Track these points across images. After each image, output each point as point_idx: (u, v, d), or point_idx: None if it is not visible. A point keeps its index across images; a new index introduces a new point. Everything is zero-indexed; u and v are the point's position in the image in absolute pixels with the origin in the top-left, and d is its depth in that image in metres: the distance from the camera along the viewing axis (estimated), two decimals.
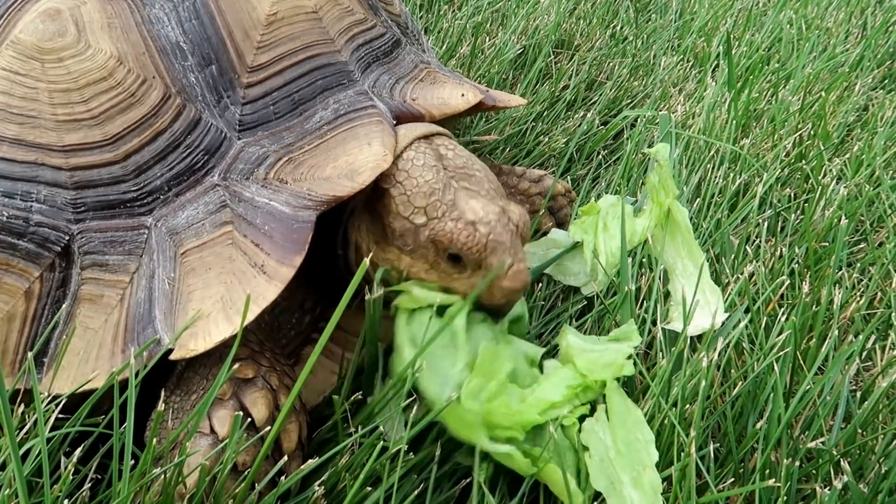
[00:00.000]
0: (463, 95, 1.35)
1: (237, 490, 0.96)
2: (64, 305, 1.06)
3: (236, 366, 1.00)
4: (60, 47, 1.07)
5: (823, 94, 2.18)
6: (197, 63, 1.13)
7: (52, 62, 1.06)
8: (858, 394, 1.32)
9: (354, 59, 1.28)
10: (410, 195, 1.17)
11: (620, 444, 1.10)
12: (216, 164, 1.12)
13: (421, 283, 1.19)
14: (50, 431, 0.97)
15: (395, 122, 1.25)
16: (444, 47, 2.33)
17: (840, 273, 1.54)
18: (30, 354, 0.98)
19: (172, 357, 1.00)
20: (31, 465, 0.93)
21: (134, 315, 1.04)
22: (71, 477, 0.92)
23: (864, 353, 1.39)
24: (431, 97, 1.33)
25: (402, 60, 1.39)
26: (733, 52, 2.34)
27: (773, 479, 1.03)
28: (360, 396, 1.17)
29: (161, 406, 0.96)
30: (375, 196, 1.22)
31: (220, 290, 1.03)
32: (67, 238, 1.07)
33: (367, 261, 1.01)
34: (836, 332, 1.29)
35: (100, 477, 1.02)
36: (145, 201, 1.09)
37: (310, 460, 1.00)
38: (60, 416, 0.99)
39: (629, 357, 1.19)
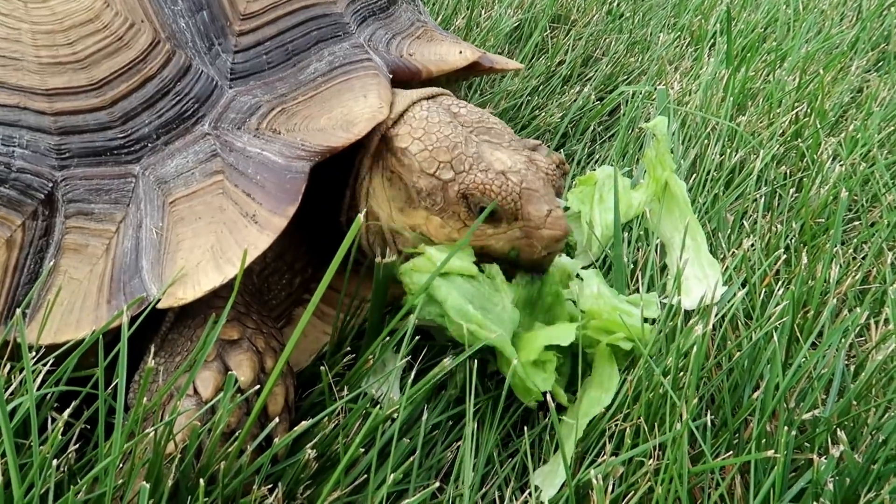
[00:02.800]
0: (461, 52, 1.32)
1: (227, 452, 0.94)
2: (48, 255, 1.02)
3: (222, 321, 0.97)
4: None
5: (822, 71, 2.17)
6: (187, 8, 1.09)
7: (36, 2, 1.02)
8: (852, 367, 1.30)
9: (350, 11, 1.25)
10: (433, 150, 1.13)
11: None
12: (207, 112, 1.08)
13: (438, 246, 1.16)
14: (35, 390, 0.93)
15: (391, 77, 1.22)
16: (439, 19, 2.29)
17: (835, 249, 1.53)
18: (18, 311, 0.94)
19: (160, 306, 0.97)
20: (16, 424, 0.90)
21: (120, 265, 1.00)
22: (60, 437, 0.89)
23: (858, 328, 1.38)
24: (429, 53, 1.30)
25: (399, 17, 1.36)
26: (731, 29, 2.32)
27: (773, 451, 1.01)
28: (352, 360, 1.15)
29: (151, 362, 0.93)
30: (392, 159, 1.18)
31: (210, 239, 1.00)
32: (51, 185, 1.03)
33: (360, 217, 0.99)
34: (835, 302, 1.28)
35: (88, 434, 0.99)
36: (133, 149, 1.06)
37: (303, 422, 0.98)
38: (52, 367, 0.96)
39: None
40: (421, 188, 1.15)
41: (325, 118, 1.11)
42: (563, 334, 1.12)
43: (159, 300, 0.97)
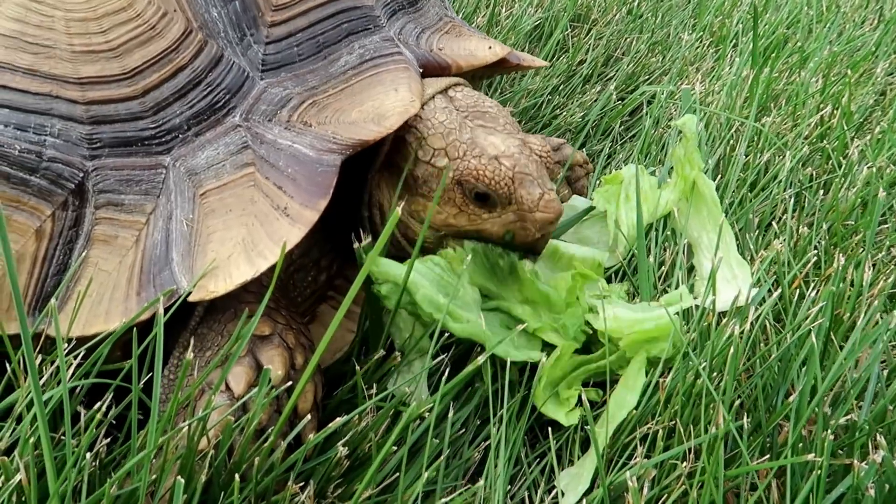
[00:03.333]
0: (490, 48, 1.30)
1: (260, 449, 0.92)
2: (77, 246, 1.00)
3: (258, 316, 0.95)
4: None
5: (850, 71, 2.14)
6: None
7: None
8: (885, 372, 1.28)
9: (380, 4, 1.24)
10: (427, 138, 1.15)
11: None
12: (238, 103, 1.07)
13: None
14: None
15: (421, 71, 1.20)
16: (460, 16, 2.28)
17: (865, 253, 1.50)
18: (52, 301, 0.93)
19: (191, 299, 0.95)
20: (49, 412, 0.88)
21: (150, 257, 0.99)
22: (95, 430, 0.87)
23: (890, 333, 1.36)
24: (458, 48, 1.28)
25: (427, 12, 1.34)
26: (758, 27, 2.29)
27: (813, 454, 0.99)
28: (382, 353, 1.14)
29: (189, 355, 0.91)
30: (394, 150, 1.19)
31: (242, 231, 0.98)
32: (82, 175, 1.01)
33: (398, 210, 0.97)
34: (877, 304, 1.25)
35: (113, 431, 0.98)
36: (164, 139, 1.04)
37: (337, 419, 0.96)
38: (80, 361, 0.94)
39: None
40: (418, 175, 1.16)
41: (356, 111, 1.10)
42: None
43: (190, 293, 0.96)
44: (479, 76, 1.58)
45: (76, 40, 1.00)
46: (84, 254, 1.00)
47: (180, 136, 1.04)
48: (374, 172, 1.22)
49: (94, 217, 1.01)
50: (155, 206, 1.02)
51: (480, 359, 1.05)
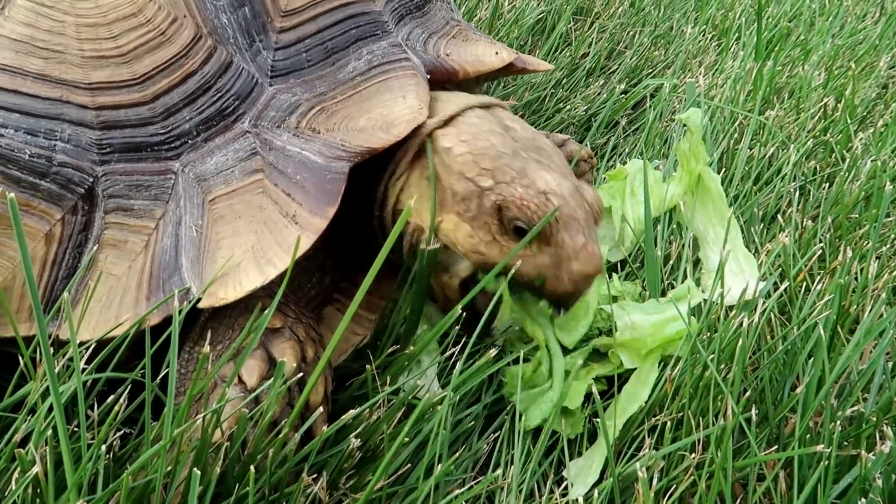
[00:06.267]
0: (497, 53, 1.31)
1: (273, 441, 0.93)
2: (86, 250, 1.02)
3: (271, 311, 0.96)
4: None
5: (854, 65, 2.14)
6: (229, 4, 1.08)
7: None
8: (891, 364, 1.29)
9: (388, 10, 1.24)
10: (476, 155, 1.08)
11: None
12: (247, 109, 1.08)
13: None
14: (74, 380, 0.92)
15: (428, 77, 1.21)
16: (462, 10, 2.28)
17: (869, 245, 1.51)
18: (65, 295, 0.94)
19: (201, 305, 0.96)
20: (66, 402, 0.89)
21: (160, 262, 1.00)
22: (112, 421, 0.88)
23: None
24: (465, 54, 1.29)
25: (434, 16, 1.35)
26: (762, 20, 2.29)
27: (821, 445, 1.00)
28: (394, 348, 1.15)
29: (207, 348, 0.91)
30: (434, 157, 1.13)
31: (251, 238, 0.99)
32: (91, 180, 1.02)
33: (410, 203, 0.97)
34: (883, 296, 1.26)
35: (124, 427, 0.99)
36: (173, 145, 1.05)
37: (350, 411, 0.97)
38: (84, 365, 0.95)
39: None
40: (457, 191, 1.10)
41: (364, 118, 1.11)
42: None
43: (200, 299, 0.97)
44: (483, 79, 1.59)
45: (86, 45, 1.01)
46: (93, 258, 1.01)
47: (189, 141, 1.05)
48: (398, 175, 1.19)
49: (103, 221, 1.02)
50: (164, 212, 1.03)
51: (491, 353, 1.06)
